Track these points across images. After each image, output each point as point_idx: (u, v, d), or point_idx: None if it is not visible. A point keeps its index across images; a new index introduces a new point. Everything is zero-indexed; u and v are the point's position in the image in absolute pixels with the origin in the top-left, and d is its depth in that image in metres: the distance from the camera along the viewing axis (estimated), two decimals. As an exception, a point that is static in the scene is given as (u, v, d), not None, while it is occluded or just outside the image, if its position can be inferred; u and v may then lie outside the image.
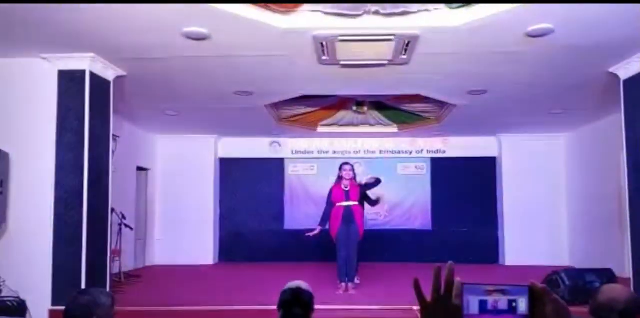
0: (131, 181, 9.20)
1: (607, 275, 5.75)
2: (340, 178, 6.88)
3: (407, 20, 4.67)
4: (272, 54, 5.40)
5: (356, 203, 6.72)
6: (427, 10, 4.62)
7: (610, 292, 2.35)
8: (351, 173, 6.79)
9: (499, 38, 4.98)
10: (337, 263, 6.75)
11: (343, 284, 6.63)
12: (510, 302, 1.05)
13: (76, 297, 2.26)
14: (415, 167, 10.98)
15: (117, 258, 7.49)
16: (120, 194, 7.01)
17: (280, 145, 10.86)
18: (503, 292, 1.06)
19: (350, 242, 6.62)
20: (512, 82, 6.55)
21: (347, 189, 6.75)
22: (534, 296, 1.05)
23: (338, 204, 6.74)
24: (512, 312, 1.05)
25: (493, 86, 6.75)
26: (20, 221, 5.51)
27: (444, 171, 10.81)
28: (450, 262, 1.03)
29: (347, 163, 6.96)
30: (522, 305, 1.05)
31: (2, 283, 5.04)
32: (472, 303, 1.05)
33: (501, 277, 8.61)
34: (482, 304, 1.05)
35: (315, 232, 6.94)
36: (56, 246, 5.41)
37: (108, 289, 5.93)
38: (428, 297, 1.04)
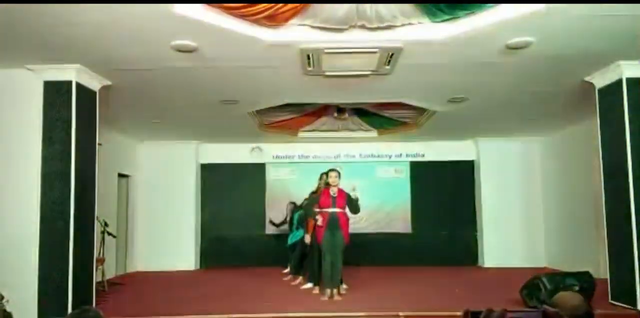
0: (112, 188, 9.15)
1: (586, 278, 5.89)
2: (327, 184, 6.86)
3: (391, 33, 4.78)
4: (259, 65, 5.47)
5: (342, 210, 6.74)
6: (410, 23, 4.73)
7: (578, 306, 2.42)
8: (337, 179, 6.75)
9: (480, 50, 5.13)
10: (322, 270, 6.78)
11: (328, 290, 6.66)
12: None
13: None
14: (395, 170, 11.08)
15: (100, 267, 7.45)
16: (101, 201, 6.96)
17: (261, 150, 10.88)
18: None
19: (334, 249, 6.65)
20: (491, 90, 6.72)
21: (334, 195, 6.73)
22: None
23: (324, 210, 6.73)
24: None
25: (473, 94, 6.90)
26: (6, 232, 5.48)
27: (423, 174, 10.94)
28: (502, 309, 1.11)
29: (332, 170, 6.90)
30: None
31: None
32: None
33: (482, 279, 8.77)
34: None
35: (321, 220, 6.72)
36: (42, 258, 5.40)
37: (94, 300, 5.93)
38: None
